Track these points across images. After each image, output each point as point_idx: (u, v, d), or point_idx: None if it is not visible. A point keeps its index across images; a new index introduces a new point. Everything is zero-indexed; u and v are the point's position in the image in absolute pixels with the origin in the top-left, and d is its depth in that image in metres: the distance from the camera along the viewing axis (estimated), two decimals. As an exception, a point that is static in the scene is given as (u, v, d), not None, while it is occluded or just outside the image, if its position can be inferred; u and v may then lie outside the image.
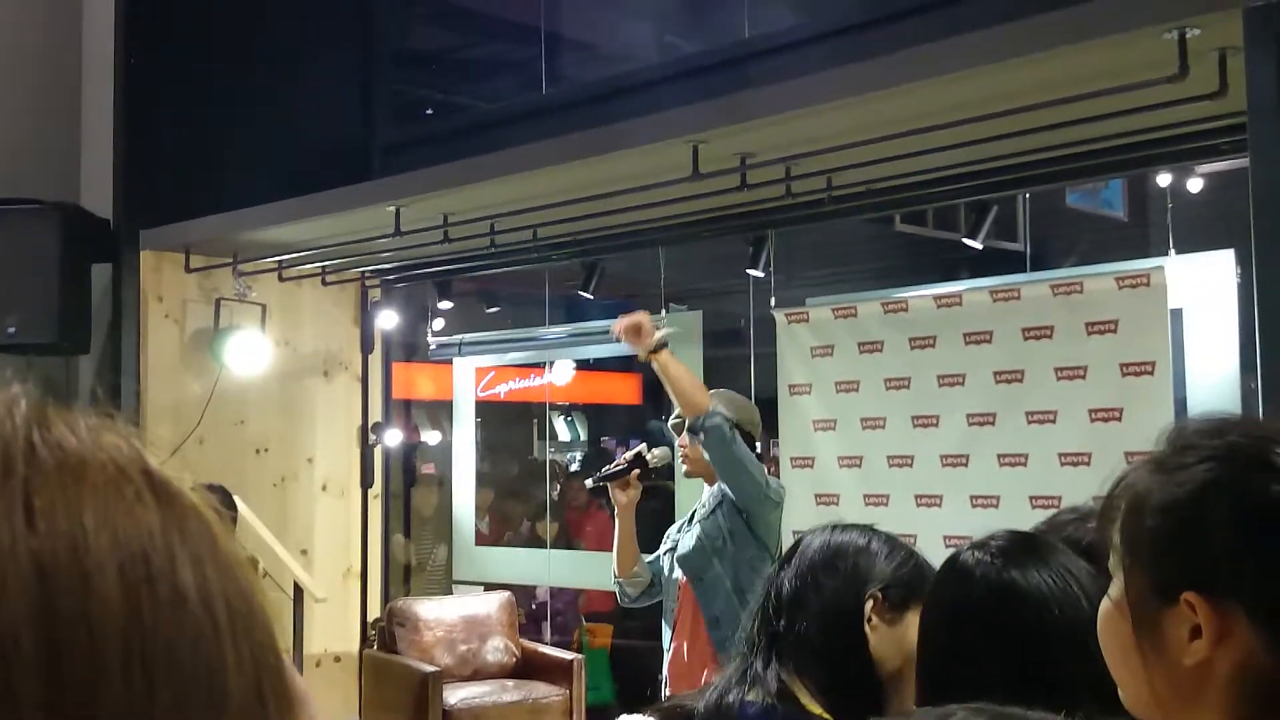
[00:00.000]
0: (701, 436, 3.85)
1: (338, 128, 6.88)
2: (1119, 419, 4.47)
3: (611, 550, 4.22)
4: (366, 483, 6.83)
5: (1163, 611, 1.07)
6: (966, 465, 4.87)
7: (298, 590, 6.03)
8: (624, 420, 10.89)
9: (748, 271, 5.53)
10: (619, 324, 3.99)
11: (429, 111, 8.04)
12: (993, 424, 4.82)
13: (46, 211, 5.74)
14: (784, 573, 1.90)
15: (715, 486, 4.04)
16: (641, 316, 3.97)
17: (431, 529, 8.34)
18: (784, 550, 2.11)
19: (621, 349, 6.74)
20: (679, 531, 4.14)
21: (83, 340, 5.92)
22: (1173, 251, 4.73)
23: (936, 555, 1.84)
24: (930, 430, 4.98)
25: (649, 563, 4.19)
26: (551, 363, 7.27)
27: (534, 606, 7.86)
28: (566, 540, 7.83)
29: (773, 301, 5.60)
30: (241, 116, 6.42)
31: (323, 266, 6.48)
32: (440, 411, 8.59)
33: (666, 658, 4.10)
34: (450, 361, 7.35)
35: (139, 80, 6.14)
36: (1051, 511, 1.86)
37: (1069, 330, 4.63)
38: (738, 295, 6.46)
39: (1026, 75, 3.53)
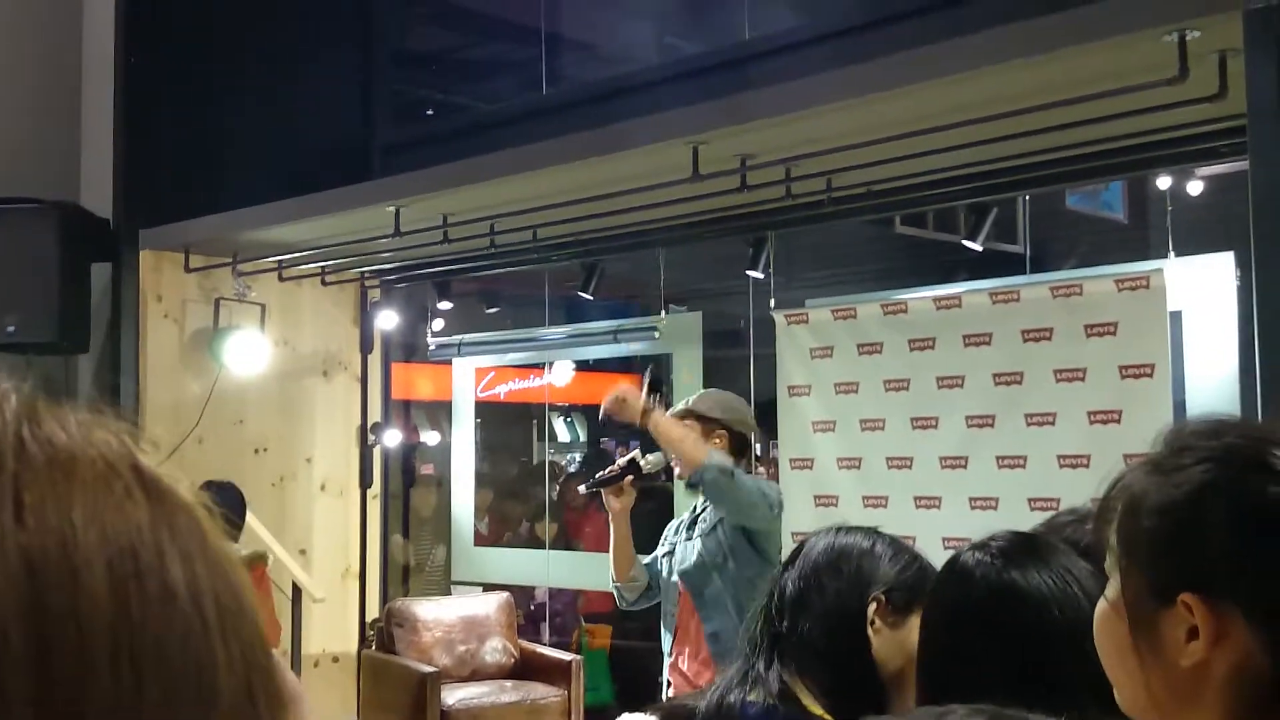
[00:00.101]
0: (701, 489, 3.87)
1: (337, 128, 6.88)
2: (1118, 421, 4.47)
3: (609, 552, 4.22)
4: (365, 483, 6.83)
5: (1160, 613, 1.07)
6: (965, 467, 4.87)
7: (296, 590, 6.04)
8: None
9: (747, 273, 5.53)
10: (604, 403, 4.00)
11: (429, 112, 8.04)
12: (992, 426, 4.81)
13: (46, 211, 5.74)
14: (788, 574, 1.90)
15: None
16: (624, 388, 3.99)
17: (430, 529, 8.34)
18: (786, 553, 2.11)
19: (621, 350, 6.81)
20: (676, 533, 4.12)
21: (82, 340, 5.92)
22: (1172, 254, 4.73)
23: (935, 557, 1.84)
24: (929, 432, 4.98)
25: (646, 564, 4.18)
26: (551, 363, 7.27)
27: (533, 607, 7.86)
28: (565, 541, 7.82)
29: (772, 303, 5.59)
30: (241, 116, 6.42)
31: (322, 266, 6.48)
32: (439, 412, 8.58)
33: (666, 662, 4.08)
34: (450, 362, 7.35)
35: (139, 80, 6.14)
36: (1050, 513, 1.86)
37: (1068, 332, 4.63)
38: (737, 296, 6.46)
39: (1026, 77, 3.53)
